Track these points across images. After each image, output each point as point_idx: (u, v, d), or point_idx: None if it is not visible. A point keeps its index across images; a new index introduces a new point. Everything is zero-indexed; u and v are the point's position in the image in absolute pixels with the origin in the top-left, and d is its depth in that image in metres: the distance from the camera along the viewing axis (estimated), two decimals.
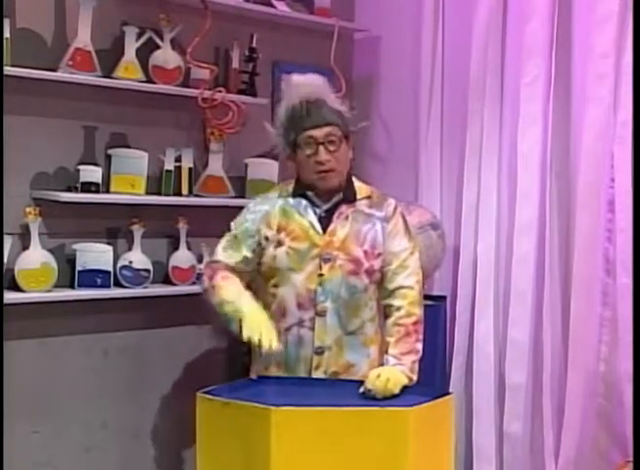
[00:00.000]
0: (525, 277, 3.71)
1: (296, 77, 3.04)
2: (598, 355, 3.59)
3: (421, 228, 3.80)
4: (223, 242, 3.08)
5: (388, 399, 2.77)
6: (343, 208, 3.03)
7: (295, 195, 3.04)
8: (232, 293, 2.94)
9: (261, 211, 3.05)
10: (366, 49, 4.38)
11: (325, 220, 3.01)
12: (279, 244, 2.99)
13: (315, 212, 3.02)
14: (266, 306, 3.02)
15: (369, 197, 3.09)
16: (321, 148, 2.96)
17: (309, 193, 3.02)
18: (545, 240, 3.68)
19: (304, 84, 3.00)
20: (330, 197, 3.03)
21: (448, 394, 2.89)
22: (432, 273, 3.96)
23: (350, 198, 3.05)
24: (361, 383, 2.85)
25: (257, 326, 2.83)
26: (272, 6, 3.95)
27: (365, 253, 3.00)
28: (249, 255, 3.03)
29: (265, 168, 3.87)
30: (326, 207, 3.03)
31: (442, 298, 4.00)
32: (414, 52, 4.15)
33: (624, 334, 3.44)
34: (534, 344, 3.72)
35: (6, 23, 3.18)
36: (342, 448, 2.58)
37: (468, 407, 3.89)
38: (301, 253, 2.98)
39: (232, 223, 3.09)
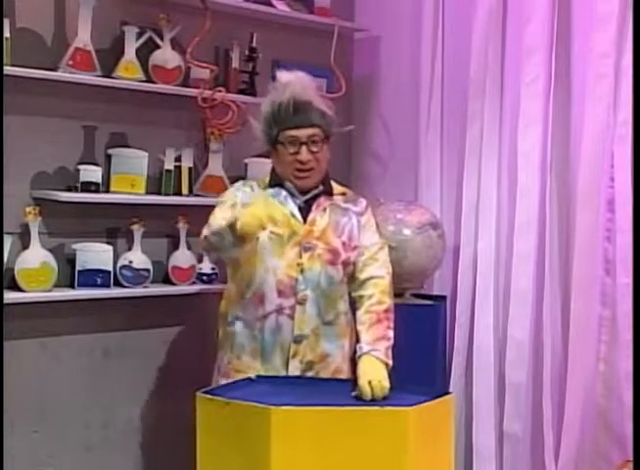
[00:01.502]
0: (525, 277, 3.71)
1: (285, 75, 3.07)
2: (598, 355, 3.59)
3: (421, 228, 3.80)
4: (219, 207, 3.06)
5: (386, 396, 2.79)
6: (322, 199, 3.10)
7: (272, 186, 3.08)
8: (227, 214, 2.91)
9: (247, 193, 3.08)
10: (366, 49, 4.38)
11: (304, 210, 3.07)
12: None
13: (295, 203, 3.07)
14: (242, 292, 3.05)
15: (343, 194, 3.17)
16: (304, 148, 3.01)
17: (288, 185, 3.06)
18: (545, 239, 3.68)
19: (293, 82, 3.02)
20: (308, 190, 3.08)
21: (448, 393, 2.89)
22: (432, 273, 3.97)
23: (328, 190, 3.12)
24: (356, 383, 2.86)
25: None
26: (272, 6, 3.95)
27: (343, 244, 3.06)
28: None
29: (265, 168, 3.85)
30: (304, 198, 3.08)
31: (442, 298, 4.00)
32: (414, 52, 4.16)
33: (624, 333, 3.44)
34: (534, 343, 3.72)
35: (6, 23, 3.18)
36: (342, 448, 2.58)
37: (468, 407, 3.89)
38: (282, 239, 3.02)
39: (224, 196, 3.11)
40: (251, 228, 2.78)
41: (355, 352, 3.00)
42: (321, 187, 3.10)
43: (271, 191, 3.08)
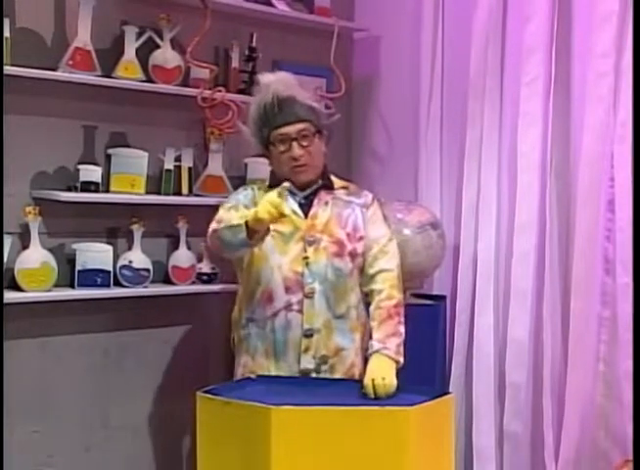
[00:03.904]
0: (525, 277, 3.71)
1: (266, 76, 3.09)
2: (598, 355, 3.59)
3: (421, 228, 3.80)
4: (222, 208, 3.09)
5: (391, 396, 2.79)
6: (322, 194, 3.10)
7: (272, 187, 3.05)
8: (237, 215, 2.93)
9: (248, 195, 3.12)
10: (366, 49, 4.38)
11: (305, 206, 3.08)
12: None
13: (295, 200, 3.07)
14: (252, 293, 3.05)
15: (345, 187, 3.17)
16: (294, 144, 3.01)
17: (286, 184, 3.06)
18: (545, 239, 3.68)
19: (275, 82, 3.03)
20: (307, 186, 3.09)
21: (448, 393, 2.89)
22: (431, 273, 3.97)
23: (328, 184, 3.12)
24: (361, 382, 2.85)
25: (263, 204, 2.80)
26: (272, 5, 3.95)
27: (348, 235, 3.06)
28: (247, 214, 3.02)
29: (265, 168, 3.85)
30: (304, 194, 3.09)
31: (442, 297, 4.00)
32: (414, 52, 4.15)
33: (624, 333, 3.44)
34: (534, 343, 3.72)
35: (6, 22, 3.18)
36: (342, 448, 2.58)
37: (468, 407, 3.89)
38: (286, 236, 3.02)
39: (223, 204, 3.10)
40: (266, 216, 2.78)
41: (367, 347, 3.03)
42: (320, 181, 3.10)
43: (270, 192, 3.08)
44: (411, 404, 2.64)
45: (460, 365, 3.94)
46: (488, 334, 3.83)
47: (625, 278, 3.44)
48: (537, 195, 3.71)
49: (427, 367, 3.58)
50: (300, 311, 3.01)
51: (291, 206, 3.04)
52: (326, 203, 3.09)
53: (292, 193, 3.06)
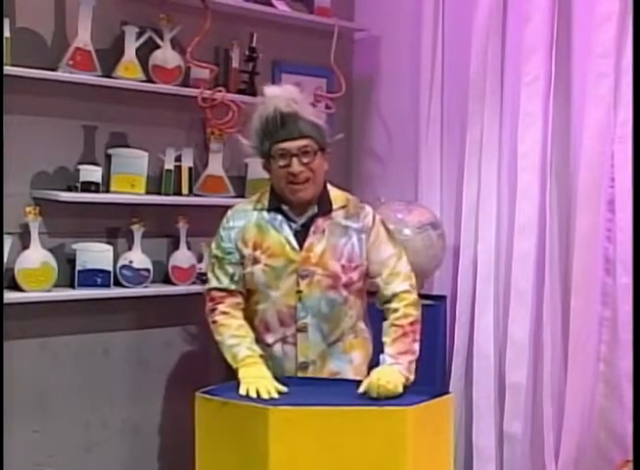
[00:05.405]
0: (525, 277, 3.71)
1: (270, 89, 3.00)
2: (598, 355, 3.59)
3: (421, 228, 3.80)
4: (210, 266, 3.11)
5: (391, 398, 2.76)
6: (319, 221, 3.00)
7: (270, 209, 3.01)
8: (231, 335, 2.97)
9: (236, 228, 3.03)
10: (366, 49, 4.38)
11: (301, 235, 2.99)
12: (255, 261, 2.98)
13: (290, 227, 2.99)
14: (251, 321, 3.04)
15: (345, 206, 3.05)
16: (294, 160, 2.92)
17: (284, 207, 3.00)
18: (545, 239, 3.68)
19: (280, 95, 2.95)
20: (304, 210, 3.00)
21: (447, 393, 2.89)
22: (432, 273, 3.97)
23: (326, 209, 3.01)
24: (359, 382, 2.84)
25: (253, 381, 2.82)
26: (272, 6, 3.95)
27: (342, 267, 2.98)
28: (234, 271, 3.02)
29: None
30: (301, 221, 3.00)
31: (442, 297, 4.00)
32: (414, 52, 4.16)
33: (624, 333, 3.44)
34: (534, 343, 3.73)
35: (6, 22, 3.19)
36: (341, 448, 2.58)
37: (468, 407, 3.90)
38: (278, 270, 2.97)
39: (212, 244, 3.10)
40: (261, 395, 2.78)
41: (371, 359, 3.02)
42: (316, 209, 3.00)
43: (267, 216, 3.01)
44: (410, 404, 2.64)
45: (460, 365, 3.94)
46: (488, 334, 3.83)
47: (625, 278, 3.44)
48: (537, 195, 3.71)
49: (427, 367, 3.57)
50: (295, 344, 2.99)
51: (285, 235, 2.98)
52: (322, 231, 2.99)
53: (288, 219, 3.00)
